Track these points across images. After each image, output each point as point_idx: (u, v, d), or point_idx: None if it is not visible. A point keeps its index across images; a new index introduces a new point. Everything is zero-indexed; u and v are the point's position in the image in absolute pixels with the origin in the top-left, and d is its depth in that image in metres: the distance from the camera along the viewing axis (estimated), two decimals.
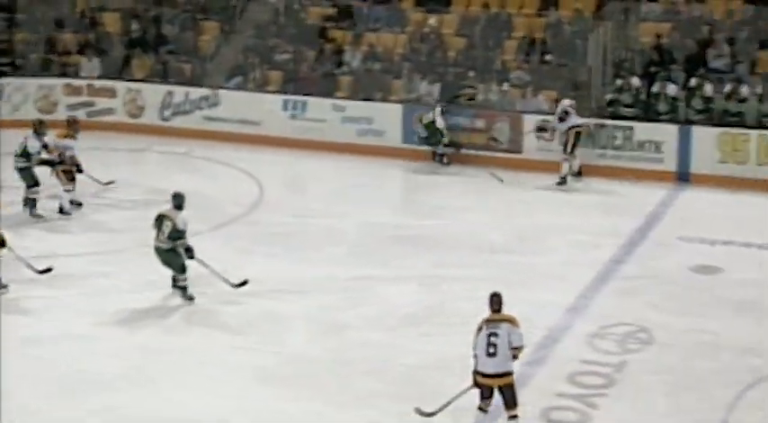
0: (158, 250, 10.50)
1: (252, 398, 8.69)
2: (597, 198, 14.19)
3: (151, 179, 14.12)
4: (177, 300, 10.59)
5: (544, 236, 12.72)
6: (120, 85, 18.11)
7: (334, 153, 16.37)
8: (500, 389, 7.80)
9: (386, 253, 12.11)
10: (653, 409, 8.47)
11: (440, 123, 15.69)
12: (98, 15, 19.51)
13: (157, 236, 10.46)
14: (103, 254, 12.02)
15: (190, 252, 10.48)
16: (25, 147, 13.10)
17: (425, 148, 15.97)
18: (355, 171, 15.73)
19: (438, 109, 15.79)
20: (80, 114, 16.65)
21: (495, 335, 7.73)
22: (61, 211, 13.23)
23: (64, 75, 18.35)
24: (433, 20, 17.84)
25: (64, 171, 13.19)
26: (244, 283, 10.63)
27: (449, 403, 8.01)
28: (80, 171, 13.22)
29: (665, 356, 9.39)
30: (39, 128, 13.29)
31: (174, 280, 10.58)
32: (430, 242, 12.47)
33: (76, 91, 18.06)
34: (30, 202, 13.20)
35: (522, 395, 8.06)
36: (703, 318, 10.20)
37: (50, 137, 13.22)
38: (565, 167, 14.63)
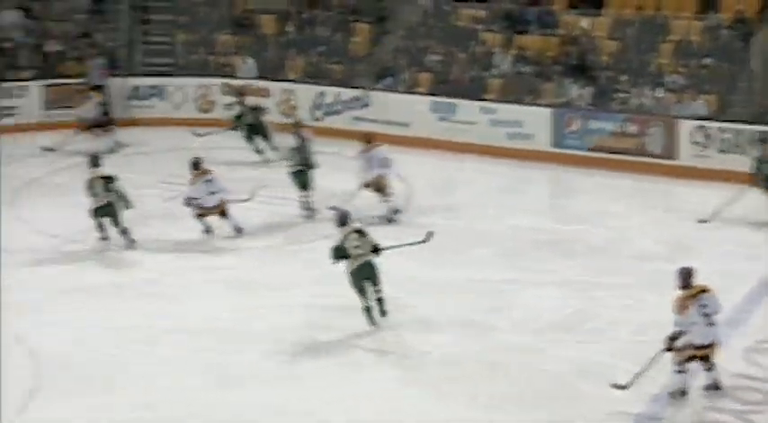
0: (363, 267, 9.95)
1: (396, 399, 8.75)
2: (754, 209, 13.64)
3: None
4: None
5: (698, 245, 12.31)
6: (275, 86, 18.58)
7: (482, 156, 16.34)
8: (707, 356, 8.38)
9: (533, 257, 12.00)
10: None
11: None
12: (255, 17, 20.08)
13: (355, 256, 9.95)
14: (252, 250, 12.37)
15: (378, 251, 10.03)
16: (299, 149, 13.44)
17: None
18: (504, 174, 15.66)
19: None
20: (236, 113, 17.04)
21: (705, 306, 8.31)
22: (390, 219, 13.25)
23: (222, 75, 18.96)
24: (585, 22, 17.58)
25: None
26: (429, 236, 10.32)
27: (641, 373, 8.30)
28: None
29: None
30: (296, 129, 13.71)
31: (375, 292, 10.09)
32: (578, 247, 12.29)
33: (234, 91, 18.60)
34: (302, 204, 13.47)
35: (678, 408, 8.07)
36: None
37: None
38: None
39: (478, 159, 16.25)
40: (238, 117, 16.42)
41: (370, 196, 13.45)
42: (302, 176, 13.54)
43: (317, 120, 17.98)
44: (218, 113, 18.13)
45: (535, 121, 16.45)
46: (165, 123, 18.45)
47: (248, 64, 18.95)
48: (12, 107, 18.33)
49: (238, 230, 12.73)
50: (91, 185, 12.35)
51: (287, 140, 14.00)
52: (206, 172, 12.68)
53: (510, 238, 12.65)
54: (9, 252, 12.08)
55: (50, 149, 16.54)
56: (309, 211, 13.51)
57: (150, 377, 9.11)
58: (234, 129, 16.40)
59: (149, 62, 19.53)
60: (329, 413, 8.52)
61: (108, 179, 12.38)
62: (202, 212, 12.63)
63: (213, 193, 12.58)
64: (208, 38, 19.93)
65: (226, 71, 19.12)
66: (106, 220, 12.35)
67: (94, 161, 12.57)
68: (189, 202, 12.59)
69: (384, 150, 13.55)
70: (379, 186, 13.38)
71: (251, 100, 16.95)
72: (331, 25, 19.56)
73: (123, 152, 16.63)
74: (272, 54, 19.41)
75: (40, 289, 11.16)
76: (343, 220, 10.19)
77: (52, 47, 19.24)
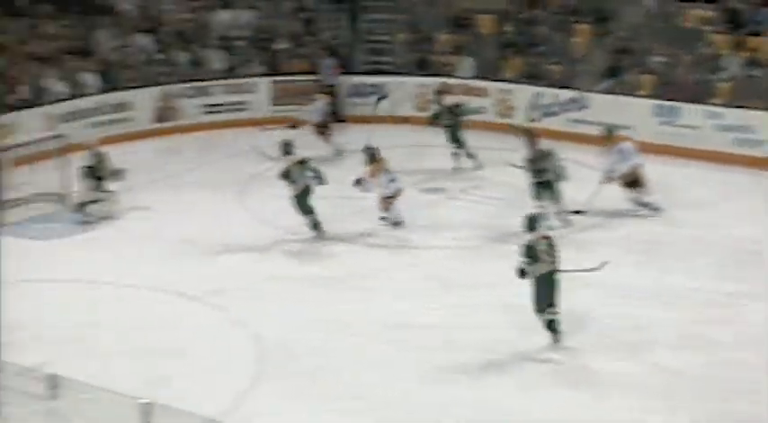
0: (545, 277, 9.45)
1: (606, 410, 8.54)
2: None
3: (516, 179, 14.25)
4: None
5: None
6: (492, 86, 18.48)
7: (706, 161, 15.63)
8: None
9: (757, 269, 11.35)
10: None
11: None
12: (473, 17, 20.07)
13: (544, 261, 9.46)
14: (456, 249, 12.37)
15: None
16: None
17: None
18: (729, 181, 14.90)
19: None
20: (433, 112, 16.88)
21: None
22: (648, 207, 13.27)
23: (441, 74, 19.04)
24: None
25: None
26: (602, 265, 9.55)
27: None
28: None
29: None
30: (529, 137, 13.37)
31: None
32: None
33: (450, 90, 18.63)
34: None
35: None
36: None
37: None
38: None
39: (702, 165, 15.56)
40: (436, 116, 16.36)
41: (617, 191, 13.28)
42: (542, 188, 12.99)
43: (533, 121, 17.74)
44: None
45: (766, 127, 15.54)
46: (382, 121, 18.73)
47: (467, 63, 18.93)
48: (243, 102, 19.21)
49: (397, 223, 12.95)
50: (288, 173, 12.65)
51: (504, 142, 13.82)
52: (382, 161, 12.87)
53: (733, 249, 12.05)
54: (235, 241, 12.73)
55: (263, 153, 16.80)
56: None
57: (353, 370, 9.32)
58: (433, 126, 16.30)
59: (370, 60, 19.94)
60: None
61: (303, 162, 12.65)
62: (387, 203, 12.83)
63: (393, 180, 12.83)
64: (427, 37, 20.09)
65: (445, 70, 19.20)
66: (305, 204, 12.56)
67: (287, 149, 12.87)
68: (360, 183, 12.76)
69: (630, 144, 13.29)
70: (635, 177, 13.21)
71: (450, 99, 16.74)
72: (550, 25, 19.26)
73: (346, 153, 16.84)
74: (489, 54, 19.32)
75: (259, 276, 11.63)
76: (532, 224, 9.66)
77: (279, 44, 19.99)
